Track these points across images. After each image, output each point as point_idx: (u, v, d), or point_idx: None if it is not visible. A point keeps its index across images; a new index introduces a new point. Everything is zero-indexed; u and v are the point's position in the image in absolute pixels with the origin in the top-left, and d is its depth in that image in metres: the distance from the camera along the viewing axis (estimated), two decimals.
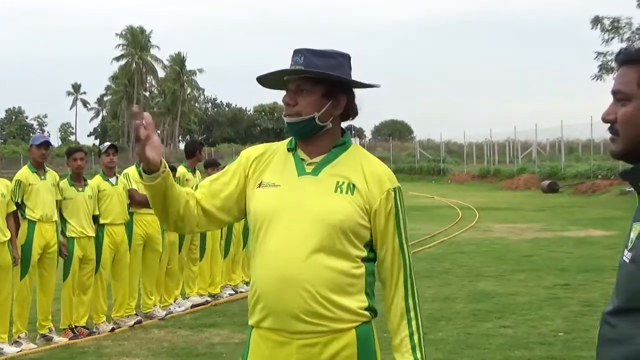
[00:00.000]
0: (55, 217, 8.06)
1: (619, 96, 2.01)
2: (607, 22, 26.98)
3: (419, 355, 2.75)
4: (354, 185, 2.75)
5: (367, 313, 2.77)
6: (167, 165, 2.69)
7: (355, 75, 2.91)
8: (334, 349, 2.70)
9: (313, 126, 2.79)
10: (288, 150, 2.89)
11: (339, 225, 2.69)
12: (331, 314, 2.68)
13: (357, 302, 2.73)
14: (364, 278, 2.76)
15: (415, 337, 2.76)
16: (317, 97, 2.78)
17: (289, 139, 2.94)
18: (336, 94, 2.80)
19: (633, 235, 1.95)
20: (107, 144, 9.03)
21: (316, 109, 2.77)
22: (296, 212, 2.72)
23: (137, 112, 2.61)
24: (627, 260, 1.94)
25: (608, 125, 2.03)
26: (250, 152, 2.98)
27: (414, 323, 2.77)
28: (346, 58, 2.86)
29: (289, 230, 2.71)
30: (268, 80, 2.92)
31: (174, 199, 2.77)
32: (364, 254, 2.77)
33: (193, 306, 9.70)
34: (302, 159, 2.83)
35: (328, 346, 2.70)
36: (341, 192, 2.74)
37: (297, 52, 2.78)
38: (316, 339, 2.69)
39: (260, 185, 2.83)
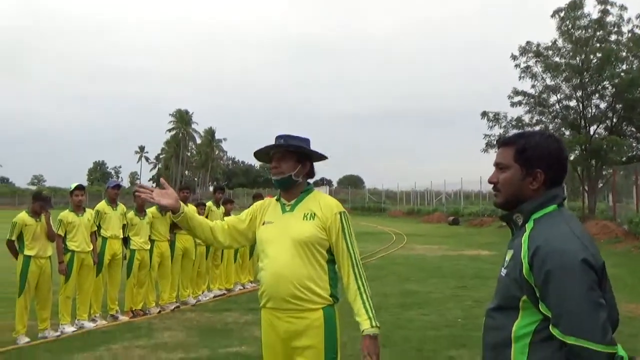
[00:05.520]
0: (121, 235, 7.95)
1: (501, 166, 2.03)
2: (491, 115, 27.33)
3: (370, 314, 2.81)
4: (314, 213, 2.92)
5: (330, 299, 2.89)
6: (184, 209, 2.95)
7: (328, 149, 3.15)
8: (309, 320, 2.84)
9: (290, 181, 2.98)
10: (277, 200, 3.08)
11: (306, 240, 2.86)
12: (307, 297, 2.83)
13: (324, 290, 2.86)
14: (328, 274, 2.90)
15: (367, 305, 2.83)
16: (293, 162, 2.97)
17: (278, 193, 3.09)
18: (303, 161, 3.00)
19: (507, 257, 1.96)
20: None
21: (292, 170, 2.97)
22: (283, 236, 2.91)
23: (141, 186, 3.01)
24: (503, 275, 1.95)
25: (492, 185, 2.06)
26: (258, 204, 3.18)
27: (364, 296, 2.85)
28: (306, 140, 3.03)
29: (279, 247, 2.90)
30: (261, 154, 3.09)
31: (197, 226, 3.03)
32: (327, 257, 2.90)
33: (215, 296, 9.55)
34: (284, 204, 3.02)
35: (305, 319, 2.84)
36: (306, 219, 2.91)
37: (279, 137, 2.97)
38: (298, 313, 2.84)
39: (263, 223, 3.03)
